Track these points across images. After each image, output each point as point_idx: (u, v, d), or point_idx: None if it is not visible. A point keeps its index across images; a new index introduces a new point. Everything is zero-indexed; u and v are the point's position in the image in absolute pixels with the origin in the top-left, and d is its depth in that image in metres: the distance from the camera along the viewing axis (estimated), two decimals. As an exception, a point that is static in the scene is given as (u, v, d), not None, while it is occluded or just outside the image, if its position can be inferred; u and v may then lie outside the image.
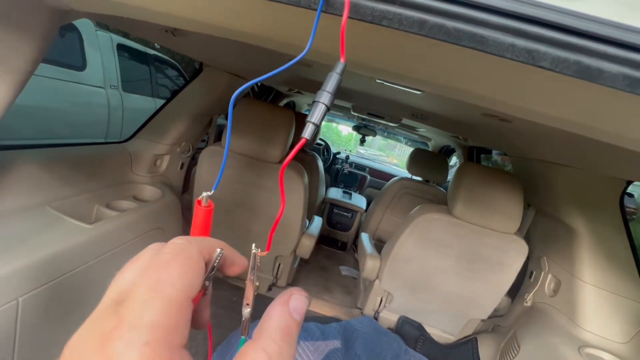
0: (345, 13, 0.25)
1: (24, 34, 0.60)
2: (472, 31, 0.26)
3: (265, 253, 0.22)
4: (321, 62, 0.51)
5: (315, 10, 0.29)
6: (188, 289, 0.18)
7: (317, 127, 0.24)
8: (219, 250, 0.22)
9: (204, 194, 0.26)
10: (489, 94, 0.41)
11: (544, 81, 0.32)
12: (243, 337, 0.26)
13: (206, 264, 0.21)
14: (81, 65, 2.51)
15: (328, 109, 0.24)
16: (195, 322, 0.19)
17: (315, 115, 0.23)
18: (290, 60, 0.27)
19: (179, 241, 0.20)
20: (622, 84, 0.24)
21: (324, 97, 0.24)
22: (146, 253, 0.21)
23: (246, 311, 0.25)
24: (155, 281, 0.18)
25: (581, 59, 0.25)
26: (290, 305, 0.20)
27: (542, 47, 0.25)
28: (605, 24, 0.24)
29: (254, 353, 0.18)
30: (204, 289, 0.20)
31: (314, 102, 0.24)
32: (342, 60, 0.26)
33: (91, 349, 0.16)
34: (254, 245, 0.22)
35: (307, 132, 0.23)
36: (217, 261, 0.22)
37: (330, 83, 0.24)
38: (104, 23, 2.33)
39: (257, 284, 0.25)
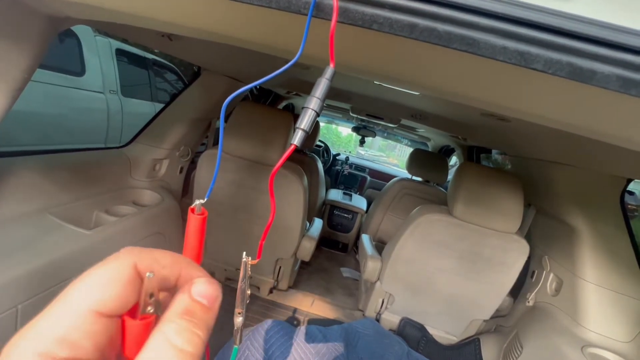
0: (334, 18, 0.25)
1: (19, 41, 0.60)
2: (463, 34, 0.26)
3: (256, 261, 0.22)
4: (316, 65, 0.51)
5: (306, 15, 0.28)
6: (98, 302, 0.16)
7: (307, 133, 0.23)
8: (148, 273, 0.18)
9: (197, 202, 0.25)
10: (485, 96, 0.40)
11: (539, 83, 0.31)
12: (236, 346, 0.25)
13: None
14: (80, 71, 2.52)
15: (317, 114, 0.24)
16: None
17: (304, 122, 0.23)
18: (287, 63, 0.26)
19: (118, 252, 0.19)
20: (615, 84, 0.24)
21: (313, 103, 0.24)
22: None
23: (238, 320, 0.25)
24: (69, 289, 0.17)
25: (574, 60, 0.24)
26: (192, 290, 0.19)
27: (534, 49, 0.25)
28: (597, 25, 0.24)
29: (152, 340, 0.16)
30: (146, 313, 0.18)
31: (302, 108, 0.24)
32: (331, 65, 0.26)
33: None
34: (244, 253, 0.22)
35: (297, 139, 0.23)
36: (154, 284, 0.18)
37: (320, 89, 0.24)
38: (100, 29, 2.34)
39: (249, 292, 0.24)
